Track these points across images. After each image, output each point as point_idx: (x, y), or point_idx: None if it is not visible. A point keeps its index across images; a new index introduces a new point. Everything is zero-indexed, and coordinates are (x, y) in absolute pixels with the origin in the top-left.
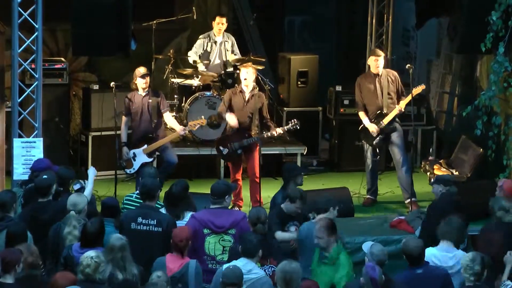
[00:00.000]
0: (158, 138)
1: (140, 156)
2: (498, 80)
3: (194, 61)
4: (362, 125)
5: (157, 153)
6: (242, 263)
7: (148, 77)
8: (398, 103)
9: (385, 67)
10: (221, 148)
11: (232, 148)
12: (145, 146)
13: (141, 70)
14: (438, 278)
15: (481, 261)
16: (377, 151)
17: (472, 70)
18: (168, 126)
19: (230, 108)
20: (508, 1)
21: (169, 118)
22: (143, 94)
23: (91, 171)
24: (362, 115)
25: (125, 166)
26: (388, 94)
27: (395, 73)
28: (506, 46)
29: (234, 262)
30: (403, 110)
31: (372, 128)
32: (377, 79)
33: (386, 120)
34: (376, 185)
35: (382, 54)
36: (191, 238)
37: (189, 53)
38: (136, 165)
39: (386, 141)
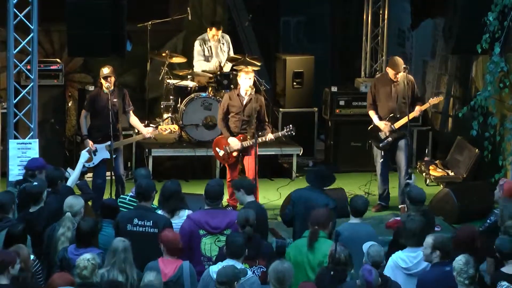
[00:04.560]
0: (120, 136)
1: (102, 152)
2: (494, 80)
3: (204, 70)
4: (371, 126)
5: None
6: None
7: (111, 78)
8: (412, 108)
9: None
10: (217, 149)
11: (228, 151)
12: (109, 142)
13: (104, 71)
14: None
15: (474, 264)
16: (383, 153)
17: (467, 71)
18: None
19: (227, 112)
20: (504, 1)
21: (133, 119)
22: (108, 92)
23: (82, 155)
24: (371, 113)
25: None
26: (403, 98)
27: (412, 78)
28: (501, 46)
29: (220, 264)
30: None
31: (382, 125)
32: (393, 83)
33: (397, 125)
34: (387, 190)
35: (403, 70)
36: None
37: (195, 64)
38: (96, 160)
39: (393, 146)
